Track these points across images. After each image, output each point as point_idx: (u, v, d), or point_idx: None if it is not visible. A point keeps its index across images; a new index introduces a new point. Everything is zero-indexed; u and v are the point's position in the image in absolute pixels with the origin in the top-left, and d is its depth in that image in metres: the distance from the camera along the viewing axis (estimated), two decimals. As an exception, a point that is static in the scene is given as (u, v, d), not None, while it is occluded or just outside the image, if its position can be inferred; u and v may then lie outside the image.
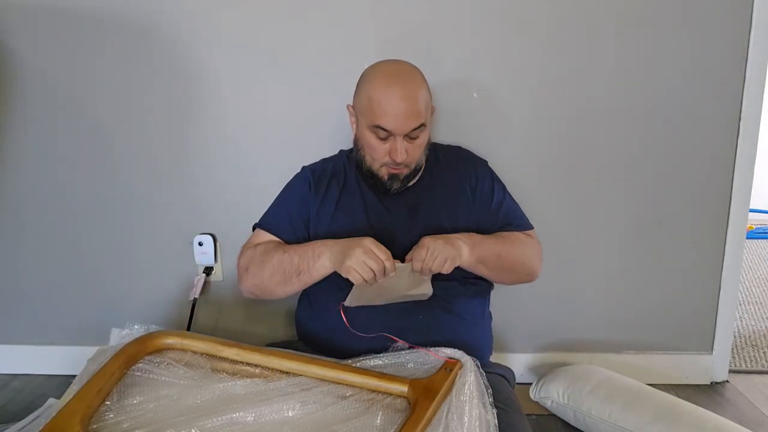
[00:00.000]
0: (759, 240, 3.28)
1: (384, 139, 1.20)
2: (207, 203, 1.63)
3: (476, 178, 1.36)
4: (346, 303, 1.16)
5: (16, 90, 1.57)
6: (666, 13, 1.52)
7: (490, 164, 1.43)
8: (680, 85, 1.56)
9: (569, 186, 1.63)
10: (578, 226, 1.65)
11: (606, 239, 1.66)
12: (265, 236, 1.33)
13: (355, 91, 1.26)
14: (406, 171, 1.25)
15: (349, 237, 1.23)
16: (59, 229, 1.66)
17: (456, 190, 1.34)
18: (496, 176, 1.41)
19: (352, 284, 1.18)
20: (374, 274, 1.09)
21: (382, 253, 1.10)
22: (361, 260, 1.09)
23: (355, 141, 1.29)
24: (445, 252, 1.14)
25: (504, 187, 1.41)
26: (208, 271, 1.66)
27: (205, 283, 1.67)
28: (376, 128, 1.19)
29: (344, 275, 1.11)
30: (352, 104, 1.28)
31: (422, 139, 1.23)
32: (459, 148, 1.46)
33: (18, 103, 1.58)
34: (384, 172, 1.24)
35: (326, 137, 1.57)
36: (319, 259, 1.18)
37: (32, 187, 1.64)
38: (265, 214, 1.38)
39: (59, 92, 1.57)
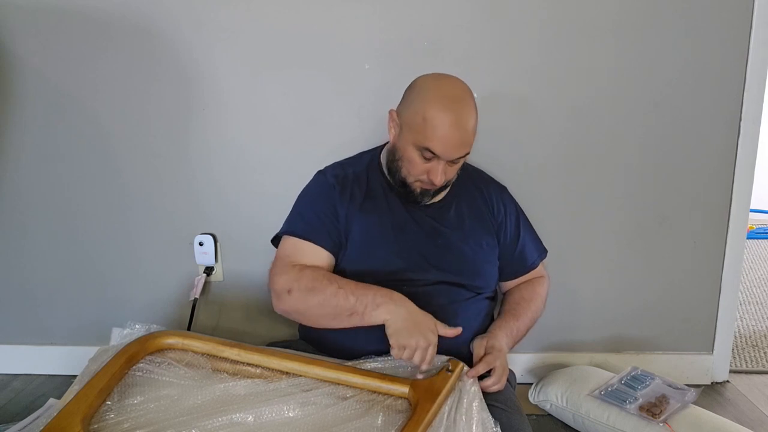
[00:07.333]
0: (759, 240, 3.29)
1: (428, 159, 1.18)
2: (207, 203, 1.63)
3: (503, 206, 1.38)
4: None
5: (16, 90, 1.57)
6: (666, 12, 1.52)
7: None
8: (680, 85, 1.56)
9: (569, 186, 1.63)
10: (578, 227, 1.65)
11: (606, 240, 1.66)
12: (303, 247, 1.24)
13: (406, 102, 1.21)
14: (439, 187, 1.23)
15: (372, 243, 1.24)
16: (60, 229, 1.66)
17: (481, 208, 1.35)
18: (518, 204, 1.43)
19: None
20: (419, 360, 1.06)
21: (432, 347, 1.08)
22: (422, 345, 1.06)
23: (393, 149, 1.25)
24: (505, 374, 1.17)
25: (522, 213, 1.43)
26: (208, 271, 1.66)
27: (206, 283, 1.67)
28: (424, 149, 1.16)
29: (394, 344, 1.07)
30: (396, 111, 1.23)
31: (461, 161, 1.23)
32: (480, 170, 1.45)
33: (18, 103, 1.58)
34: (417, 186, 1.23)
35: (326, 137, 1.57)
36: (377, 309, 1.10)
37: (33, 188, 1.63)
38: (291, 222, 1.30)
39: (59, 92, 1.57)
